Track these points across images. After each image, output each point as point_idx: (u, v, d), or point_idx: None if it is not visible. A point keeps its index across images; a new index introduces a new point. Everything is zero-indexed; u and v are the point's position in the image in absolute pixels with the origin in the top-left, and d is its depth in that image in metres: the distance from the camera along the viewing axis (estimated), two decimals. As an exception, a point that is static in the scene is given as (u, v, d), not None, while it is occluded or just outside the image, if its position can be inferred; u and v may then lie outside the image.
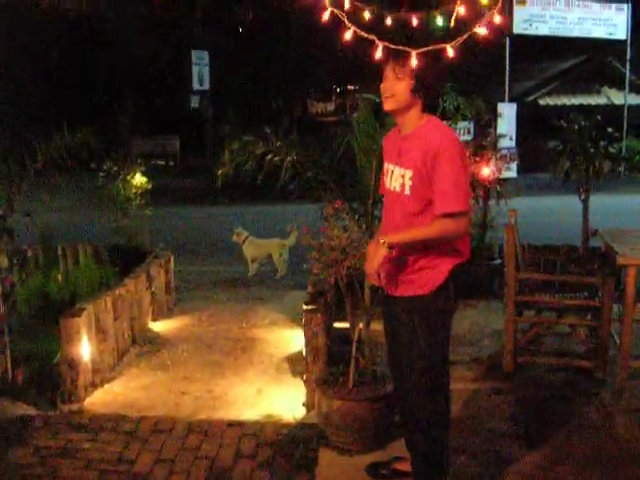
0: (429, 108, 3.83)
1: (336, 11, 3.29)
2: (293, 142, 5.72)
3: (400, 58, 3.80)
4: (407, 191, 3.82)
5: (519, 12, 23.32)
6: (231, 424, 5.14)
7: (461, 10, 3.30)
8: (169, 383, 6.10)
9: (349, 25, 3.28)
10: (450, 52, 3.35)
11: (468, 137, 9.94)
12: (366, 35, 3.28)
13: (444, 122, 4.08)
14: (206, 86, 24.77)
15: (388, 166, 4.02)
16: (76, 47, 26.33)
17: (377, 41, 3.33)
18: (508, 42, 22.86)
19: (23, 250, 8.19)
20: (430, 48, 3.41)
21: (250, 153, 5.62)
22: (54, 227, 8.80)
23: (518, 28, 23.27)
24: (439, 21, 3.47)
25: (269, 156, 5.50)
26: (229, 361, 6.58)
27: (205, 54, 24.72)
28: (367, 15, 3.32)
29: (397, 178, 3.89)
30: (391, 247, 3.72)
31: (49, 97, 25.17)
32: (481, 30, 3.33)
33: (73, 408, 5.56)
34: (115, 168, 8.78)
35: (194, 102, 25.13)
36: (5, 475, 4.51)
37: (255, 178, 5.71)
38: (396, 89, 3.81)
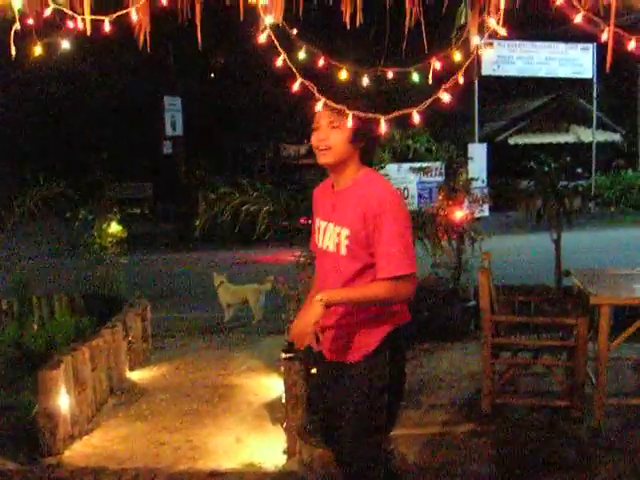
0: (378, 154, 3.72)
1: (306, 83, 3.32)
2: (269, 192, 5.78)
3: (343, 102, 3.45)
4: (343, 251, 3.51)
5: (487, 54, 23.66)
6: (213, 474, 5.12)
7: (437, 65, 3.36)
8: (148, 433, 6.06)
9: (319, 97, 3.30)
10: (416, 118, 3.38)
11: (439, 178, 10.07)
12: (336, 106, 3.29)
13: (383, 174, 3.89)
14: (179, 132, 24.87)
15: (320, 223, 3.72)
16: (44, 96, 26.36)
17: (347, 110, 3.31)
18: (477, 84, 23.18)
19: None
20: (397, 113, 3.41)
21: (227, 204, 5.67)
22: (29, 276, 8.78)
23: (487, 69, 23.64)
24: (415, 77, 3.51)
25: (246, 206, 5.56)
26: (207, 409, 6.55)
27: (178, 100, 24.85)
28: (343, 75, 3.37)
29: (331, 236, 3.59)
30: (328, 306, 3.35)
31: (23, 147, 25.19)
32: (444, 96, 3.38)
33: (52, 461, 5.51)
34: (91, 217, 8.81)
35: (167, 148, 25.19)
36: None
37: (233, 227, 5.76)
38: (332, 140, 3.51)
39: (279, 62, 3.30)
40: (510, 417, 5.89)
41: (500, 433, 5.62)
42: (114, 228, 9.04)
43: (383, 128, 3.30)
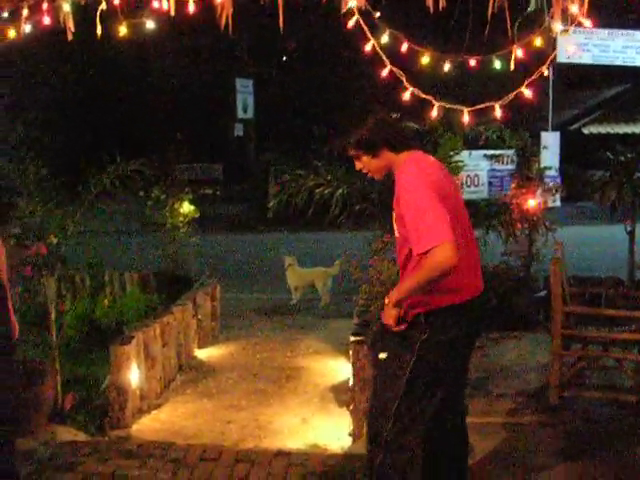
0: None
1: (395, 70, 3.33)
2: (343, 175, 5.78)
3: (343, 144, 3.88)
4: (396, 233, 3.83)
5: (563, 40, 23.28)
6: (278, 454, 5.15)
7: (519, 52, 3.31)
8: (215, 411, 6.15)
9: (407, 85, 3.32)
10: (498, 112, 3.36)
11: (511, 166, 9.94)
12: (424, 95, 3.31)
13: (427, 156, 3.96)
14: (250, 114, 24.97)
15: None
16: (122, 77, 26.73)
17: (434, 101, 3.34)
18: (551, 71, 22.79)
19: (71, 276, 8.34)
20: (479, 106, 3.41)
21: (301, 186, 5.69)
22: (103, 253, 8.95)
23: (561, 57, 23.19)
24: (497, 64, 3.47)
25: (320, 189, 5.57)
26: (274, 390, 6.61)
27: (250, 82, 24.92)
28: (426, 60, 3.34)
29: (393, 219, 3.88)
30: (398, 305, 3.65)
31: (98, 127, 25.62)
32: (526, 92, 3.35)
33: (121, 434, 5.63)
34: (163, 196, 8.92)
35: (238, 130, 25.30)
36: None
37: (306, 209, 5.78)
38: (366, 166, 3.89)
39: (368, 47, 3.30)
40: (577, 410, 5.80)
41: (567, 426, 5.53)
42: (186, 208, 9.13)
43: (466, 118, 3.30)
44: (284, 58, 29.63)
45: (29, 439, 5.34)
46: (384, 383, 3.81)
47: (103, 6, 3.57)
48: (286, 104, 27.62)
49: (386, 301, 3.70)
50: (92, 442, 5.46)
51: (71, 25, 3.81)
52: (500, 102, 3.32)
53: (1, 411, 4.25)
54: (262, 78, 25.89)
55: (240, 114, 24.75)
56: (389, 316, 3.67)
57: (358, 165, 3.91)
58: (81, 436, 5.59)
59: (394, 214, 3.78)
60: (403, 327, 3.68)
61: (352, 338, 5.48)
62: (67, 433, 5.59)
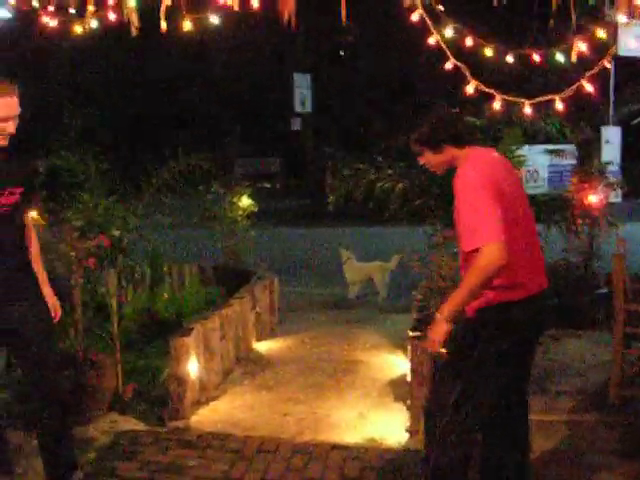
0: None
1: (458, 64, 3.32)
2: (403, 169, 5.77)
3: (406, 140, 3.91)
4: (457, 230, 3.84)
5: (624, 33, 22.85)
6: (335, 447, 5.18)
7: (582, 46, 3.27)
8: (273, 403, 6.18)
9: (470, 79, 3.31)
10: (559, 104, 3.32)
11: (571, 161, 9.82)
12: (486, 89, 3.31)
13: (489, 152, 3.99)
14: (308, 109, 25.02)
15: None
16: (182, 72, 27.03)
17: (495, 94, 3.33)
18: (613, 65, 22.41)
19: (132, 268, 8.45)
20: (540, 99, 3.38)
21: (361, 180, 5.69)
22: (162, 246, 9.05)
23: (623, 50, 22.75)
24: (559, 57, 3.43)
25: (380, 183, 5.56)
26: (331, 383, 6.63)
27: (307, 77, 24.98)
28: (489, 52, 3.32)
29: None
30: (451, 320, 3.61)
31: (159, 121, 25.96)
32: (587, 86, 3.30)
33: (180, 425, 5.69)
34: (222, 190, 9.00)
35: (296, 124, 25.38)
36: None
37: (365, 203, 5.78)
38: (429, 162, 3.94)
39: (431, 40, 3.29)
40: (638, 409, 5.72)
41: (627, 425, 5.47)
42: (245, 202, 9.20)
43: (528, 111, 3.28)
44: (341, 53, 29.64)
45: (90, 427, 5.45)
46: (444, 378, 3.82)
47: (168, 1, 3.61)
48: (344, 98, 27.63)
49: (438, 316, 3.64)
50: (152, 432, 5.54)
51: (135, 21, 3.87)
52: (561, 95, 3.28)
53: (50, 392, 4.38)
54: (320, 72, 25.91)
55: (298, 108, 24.79)
56: (439, 332, 3.63)
57: (421, 160, 3.94)
58: (140, 426, 5.68)
59: (455, 209, 3.77)
60: (444, 352, 3.70)
61: (410, 333, 5.47)
62: (127, 423, 5.69)
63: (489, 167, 3.77)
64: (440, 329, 3.60)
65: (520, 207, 3.78)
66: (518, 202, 3.78)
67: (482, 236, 3.46)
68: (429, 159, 3.89)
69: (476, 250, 3.47)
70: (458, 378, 3.72)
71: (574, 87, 3.39)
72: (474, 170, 3.69)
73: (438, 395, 3.83)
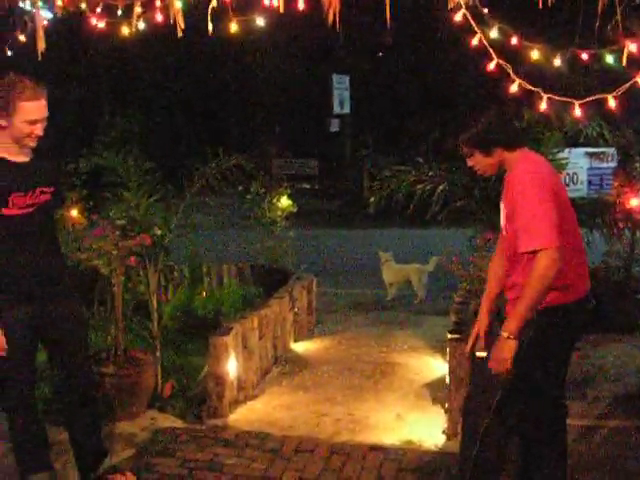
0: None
1: (502, 63, 3.31)
2: (444, 171, 5.76)
3: (458, 143, 3.87)
4: (504, 232, 3.87)
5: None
6: (373, 448, 5.19)
7: (632, 47, 3.23)
8: (310, 404, 6.20)
9: (514, 77, 3.29)
10: (612, 102, 3.29)
11: (612, 164, 9.72)
12: (531, 87, 3.28)
13: (535, 156, 3.94)
14: (346, 110, 25.00)
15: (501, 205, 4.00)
16: (222, 72, 27.20)
17: (542, 93, 3.31)
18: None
19: (171, 268, 8.52)
20: (591, 98, 3.35)
21: (403, 181, 5.69)
22: (202, 246, 9.12)
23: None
24: (609, 59, 3.40)
25: (421, 185, 5.56)
26: (369, 385, 6.63)
27: (346, 78, 24.95)
28: (535, 55, 3.30)
29: (502, 218, 3.91)
30: (517, 338, 3.56)
31: (200, 122, 26.17)
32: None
33: (218, 423, 5.73)
34: (262, 191, 9.04)
35: (334, 126, 25.37)
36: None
37: (405, 205, 5.78)
38: (478, 164, 3.89)
39: (475, 41, 3.28)
40: (680, 416, 5.67)
41: (668, 431, 5.41)
42: (284, 202, 9.23)
43: (577, 113, 3.25)
44: (380, 54, 29.59)
45: (129, 424, 5.51)
46: (485, 379, 3.80)
47: (214, 3, 3.64)
48: (382, 100, 27.59)
49: (503, 335, 3.59)
50: (190, 429, 5.60)
51: (181, 22, 3.91)
52: (614, 93, 3.24)
53: (83, 386, 4.47)
54: (358, 74, 25.88)
55: (336, 110, 24.77)
56: (507, 350, 3.59)
57: (470, 162, 3.92)
58: (179, 423, 5.74)
59: (503, 212, 3.80)
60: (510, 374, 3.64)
61: (449, 335, 5.46)
62: (166, 420, 5.75)
63: (544, 168, 3.79)
64: (508, 347, 3.57)
65: (568, 210, 3.78)
66: (567, 204, 3.78)
67: (539, 239, 3.47)
68: (479, 161, 3.87)
69: (531, 252, 3.50)
70: (499, 382, 3.70)
71: (626, 85, 3.35)
72: (531, 171, 3.69)
73: (480, 395, 3.82)
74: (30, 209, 4.18)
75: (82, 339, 4.54)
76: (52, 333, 4.38)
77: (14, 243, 4.17)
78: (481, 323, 4.17)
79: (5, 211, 4.09)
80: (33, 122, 4.03)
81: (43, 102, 4.07)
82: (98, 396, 4.79)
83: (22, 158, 4.20)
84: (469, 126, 3.82)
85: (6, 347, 4.13)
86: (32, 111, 4.01)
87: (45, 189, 4.26)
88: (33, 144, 4.14)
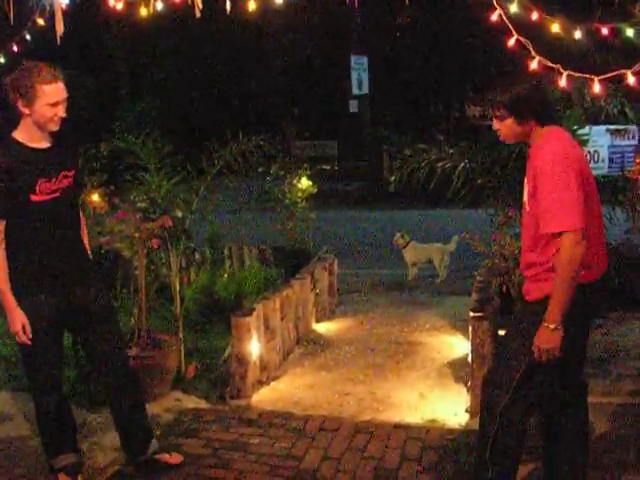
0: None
1: (522, 39, 3.26)
2: (465, 149, 5.73)
3: (493, 100, 3.74)
4: (527, 207, 3.77)
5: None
6: (396, 426, 5.20)
7: (654, 21, 3.18)
8: (333, 383, 6.22)
9: (534, 54, 3.24)
10: (631, 79, 3.24)
11: (633, 141, 9.68)
12: (552, 64, 3.23)
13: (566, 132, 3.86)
14: (365, 90, 24.92)
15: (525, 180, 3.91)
16: (240, 55, 27.17)
17: (561, 70, 3.25)
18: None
19: (193, 250, 8.55)
20: (611, 75, 3.29)
21: (423, 160, 5.66)
22: (223, 228, 9.14)
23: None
24: (629, 33, 3.35)
25: (441, 163, 5.53)
26: (391, 364, 6.64)
27: (364, 59, 24.87)
28: (555, 28, 3.26)
29: (524, 194, 3.83)
30: (561, 324, 3.53)
31: (218, 106, 26.18)
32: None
33: (241, 404, 5.76)
34: (282, 172, 9.04)
35: (353, 106, 25.29)
36: (180, 464, 4.72)
37: (426, 184, 5.76)
38: (504, 130, 3.78)
39: (494, 17, 3.25)
40: None
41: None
42: (304, 183, 9.24)
43: (597, 88, 3.21)
44: (397, 34, 29.46)
45: (153, 406, 5.53)
46: (504, 358, 3.81)
47: (232, -18, 3.64)
48: (400, 80, 27.49)
49: (551, 327, 3.53)
50: (214, 410, 5.64)
51: (199, 2, 3.90)
52: (633, 69, 3.19)
53: (119, 367, 4.51)
54: (376, 54, 25.79)
55: (355, 91, 24.70)
56: (554, 340, 3.55)
57: (496, 125, 3.80)
58: (203, 404, 5.78)
59: (526, 188, 3.73)
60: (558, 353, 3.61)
61: (471, 314, 5.45)
62: (190, 401, 5.79)
63: (572, 147, 3.71)
64: (555, 337, 3.54)
65: (593, 189, 3.73)
66: (591, 183, 3.72)
67: (564, 222, 3.45)
68: (508, 126, 3.74)
69: (554, 234, 3.48)
70: (523, 357, 3.70)
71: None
72: (558, 151, 3.60)
73: (499, 375, 3.81)
74: (56, 194, 4.22)
75: (110, 323, 4.55)
76: (79, 318, 4.41)
77: (42, 229, 4.21)
78: None
79: (33, 197, 4.13)
80: (55, 104, 4.05)
81: (61, 84, 4.09)
82: (139, 379, 4.82)
83: (45, 144, 4.23)
84: (508, 88, 3.70)
85: (31, 335, 4.18)
86: (52, 93, 4.03)
87: (67, 173, 4.30)
88: (57, 127, 4.16)
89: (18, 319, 4.14)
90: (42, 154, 4.20)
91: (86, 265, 4.50)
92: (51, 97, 4.03)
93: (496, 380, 3.83)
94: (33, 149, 4.18)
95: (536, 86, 3.70)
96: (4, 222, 4.13)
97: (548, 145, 3.63)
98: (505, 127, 3.76)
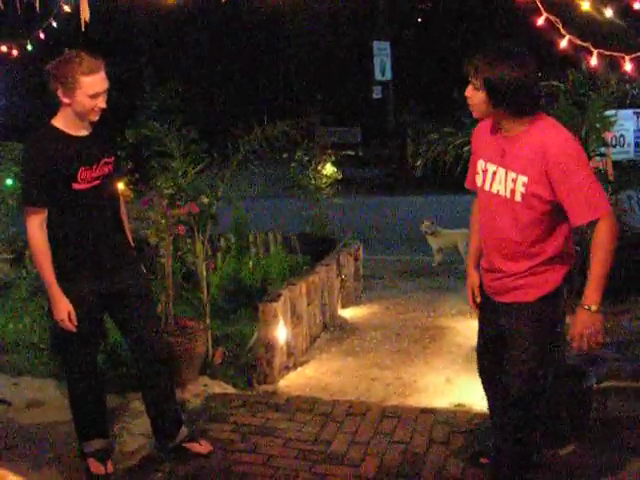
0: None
1: (552, 18, 3.19)
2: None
3: (476, 65, 3.43)
4: (518, 197, 3.52)
5: None
6: (424, 411, 5.21)
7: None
8: (359, 369, 6.24)
9: (564, 32, 3.18)
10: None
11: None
12: (581, 43, 3.16)
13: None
14: (388, 76, 24.83)
15: (487, 165, 3.69)
16: (264, 41, 27.19)
17: (592, 48, 3.18)
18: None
19: (219, 237, 8.59)
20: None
21: (449, 144, 5.62)
22: (248, 214, 9.16)
23: None
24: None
25: (468, 147, 5.48)
26: (418, 349, 6.65)
27: (387, 45, 24.76)
28: (586, 6, 3.21)
29: (503, 181, 3.57)
30: (600, 308, 3.45)
31: (242, 93, 26.20)
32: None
33: (268, 389, 5.79)
34: (307, 158, 9.04)
35: (376, 93, 25.19)
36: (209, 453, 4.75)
37: (452, 169, 5.72)
38: (474, 100, 3.52)
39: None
40: None
41: None
42: (329, 169, 9.23)
43: (628, 67, 3.14)
44: (419, 19, 29.36)
45: (181, 391, 5.57)
46: (528, 349, 3.73)
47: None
48: (424, 65, 27.40)
49: (593, 308, 3.45)
50: (242, 395, 5.67)
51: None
52: (664, 48, 3.12)
53: (156, 352, 4.53)
54: (399, 40, 25.71)
55: (378, 77, 24.61)
56: (598, 322, 3.47)
57: (468, 92, 3.53)
58: (230, 390, 5.81)
59: (525, 179, 3.48)
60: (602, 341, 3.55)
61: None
62: (217, 387, 5.82)
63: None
64: (596, 320, 3.46)
65: None
66: None
67: (601, 206, 3.39)
68: (479, 99, 3.49)
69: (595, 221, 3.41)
70: (542, 352, 3.71)
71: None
72: (571, 136, 3.51)
73: (524, 367, 3.76)
74: (97, 182, 4.24)
75: (149, 309, 4.58)
76: (118, 302, 4.43)
77: (84, 217, 4.23)
78: (474, 279, 4.12)
79: (75, 186, 4.15)
80: (95, 96, 4.05)
81: (102, 74, 4.08)
82: (172, 364, 4.84)
83: (84, 132, 4.24)
84: (496, 59, 3.39)
85: (76, 323, 4.21)
86: (93, 85, 4.03)
87: (107, 160, 4.31)
88: (96, 117, 4.17)
89: (64, 308, 4.17)
90: (82, 142, 4.21)
91: (127, 251, 4.52)
92: (91, 88, 4.02)
93: (522, 375, 3.78)
94: (73, 137, 4.19)
95: (525, 74, 3.37)
96: (46, 211, 4.14)
97: (558, 132, 3.48)
98: (476, 98, 3.51)
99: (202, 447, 4.72)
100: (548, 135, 3.44)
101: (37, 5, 4.56)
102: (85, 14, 4.27)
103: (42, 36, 5.06)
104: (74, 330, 4.21)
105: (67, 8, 4.74)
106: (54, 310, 4.20)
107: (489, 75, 3.39)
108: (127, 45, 26.13)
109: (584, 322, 3.48)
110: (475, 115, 3.63)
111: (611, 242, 3.40)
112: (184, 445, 4.68)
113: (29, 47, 5.20)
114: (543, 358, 3.72)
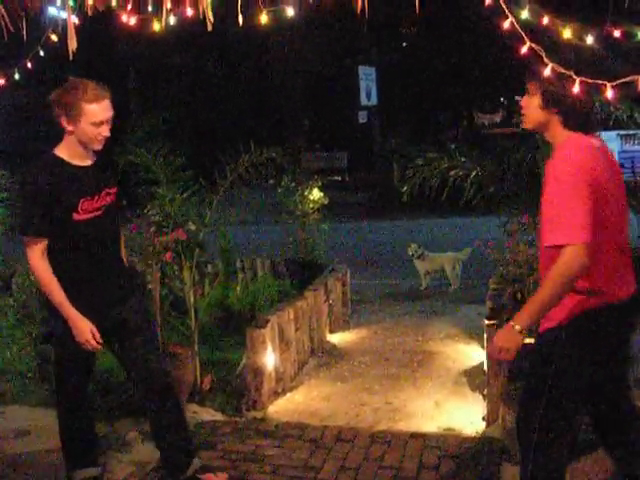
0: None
1: (535, 47, 3.21)
2: (476, 157, 5.73)
3: (531, 70, 3.44)
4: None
5: None
6: (413, 435, 5.20)
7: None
8: (348, 394, 6.22)
9: (547, 61, 3.19)
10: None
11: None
12: (564, 71, 3.17)
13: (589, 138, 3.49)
14: (373, 101, 24.96)
15: None
16: (244, 68, 27.32)
17: (574, 76, 3.18)
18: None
19: (206, 263, 8.57)
20: (624, 80, 3.21)
21: (435, 169, 5.67)
22: (235, 240, 9.16)
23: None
24: (641, 36, 3.31)
25: (453, 171, 5.53)
26: (407, 374, 6.64)
27: (372, 70, 24.92)
28: (567, 34, 3.24)
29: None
30: (525, 331, 3.26)
31: (228, 119, 26.29)
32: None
33: (257, 415, 5.77)
34: (293, 184, 9.05)
35: (362, 117, 25.34)
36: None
37: (438, 194, 5.76)
38: (525, 106, 3.52)
39: (506, 24, 3.23)
40: None
41: None
42: (315, 194, 9.24)
43: (609, 94, 3.15)
44: (404, 44, 29.54)
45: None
46: (525, 395, 3.64)
47: (244, -6, 3.66)
48: (408, 91, 27.55)
49: (513, 326, 3.29)
50: (231, 422, 5.64)
51: (210, 16, 3.93)
52: (644, 74, 3.13)
53: (159, 380, 4.47)
54: (384, 65, 25.84)
55: (364, 101, 24.74)
56: (511, 342, 3.30)
57: (523, 101, 3.55)
58: (219, 416, 5.77)
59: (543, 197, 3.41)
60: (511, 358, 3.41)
61: (486, 322, 5.45)
62: (206, 413, 5.78)
63: (590, 156, 3.37)
64: (514, 339, 3.29)
65: (616, 202, 3.45)
66: (615, 196, 3.44)
67: (565, 234, 3.16)
68: (532, 105, 3.49)
69: (556, 247, 3.18)
70: (539, 398, 3.48)
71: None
72: (570, 158, 3.34)
73: (524, 413, 3.60)
74: (99, 212, 4.18)
75: (152, 340, 4.52)
76: (116, 332, 4.35)
77: (83, 248, 4.16)
78: None
79: (75, 216, 4.09)
80: (99, 124, 4.01)
81: (107, 102, 4.04)
82: (179, 394, 4.78)
83: (87, 162, 4.20)
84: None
85: (101, 340, 4.13)
86: (97, 113, 3.99)
87: (109, 190, 4.26)
88: (100, 146, 4.12)
89: (85, 327, 4.07)
90: (84, 172, 4.16)
91: (126, 282, 4.45)
92: (95, 116, 3.98)
93: (523, 420, 3.59)
94: (75, 167, 4.14)
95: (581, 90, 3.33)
96: (46, 241, 4.07)
97: (561, 152, 3.39)
98: (529, 105, 3.51)
99: (217, 477, 4.61)
100: (558, 150, 3.43)
101: (24, 34, 4.57)
102: (72, 44, 4.28)
103: (29, 65, 5.06)
104: (99, 348, 4.14)
105: (54, 37, 4.76)
106: (75, 332, 4.08)
107: (544, 82, 3.41)
108: (114, 72, 26.18)
109: (505, 336, 3.35)
110: (526, 125, 3.60)
111: (560, 274, 3.17)
112: (198, 477, 4.54)
113: (16, 76, 5.20)
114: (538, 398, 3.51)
